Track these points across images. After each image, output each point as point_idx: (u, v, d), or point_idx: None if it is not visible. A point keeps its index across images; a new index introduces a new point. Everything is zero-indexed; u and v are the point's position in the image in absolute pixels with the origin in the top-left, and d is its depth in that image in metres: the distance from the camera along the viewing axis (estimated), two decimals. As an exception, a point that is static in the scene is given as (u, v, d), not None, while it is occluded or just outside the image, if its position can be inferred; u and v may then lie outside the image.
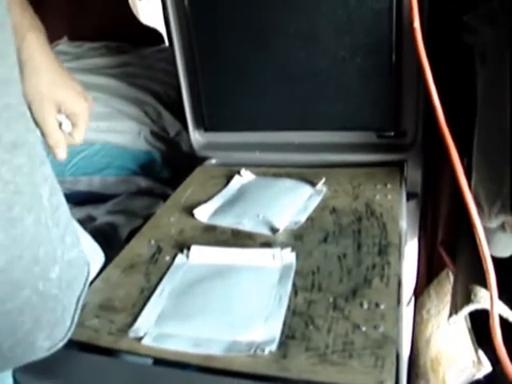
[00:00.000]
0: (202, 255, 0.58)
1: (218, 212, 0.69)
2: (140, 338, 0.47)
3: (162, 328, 0.48)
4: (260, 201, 0.70)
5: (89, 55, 1.29)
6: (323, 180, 0.72)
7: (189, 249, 0.59)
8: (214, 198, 0.73)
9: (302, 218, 0.64)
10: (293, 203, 0.68)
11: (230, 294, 0.52)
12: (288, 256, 0.56)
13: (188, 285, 0.54)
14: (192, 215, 0.68)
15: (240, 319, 0.48)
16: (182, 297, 0.52)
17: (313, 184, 0.73)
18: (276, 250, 0.57)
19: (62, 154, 0.53)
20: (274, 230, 0.62)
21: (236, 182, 0.77)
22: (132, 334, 0.48)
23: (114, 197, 1.00)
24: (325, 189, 0.71)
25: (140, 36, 1.47)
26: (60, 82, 0.52)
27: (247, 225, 0.64)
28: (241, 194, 0.73)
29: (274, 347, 0.44)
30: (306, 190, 0.72)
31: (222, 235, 0.64)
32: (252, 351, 0.44)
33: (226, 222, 0.66)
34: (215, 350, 0.45)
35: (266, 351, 0.43)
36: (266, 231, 0.63)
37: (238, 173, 0.79)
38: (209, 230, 0.65)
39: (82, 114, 0.53)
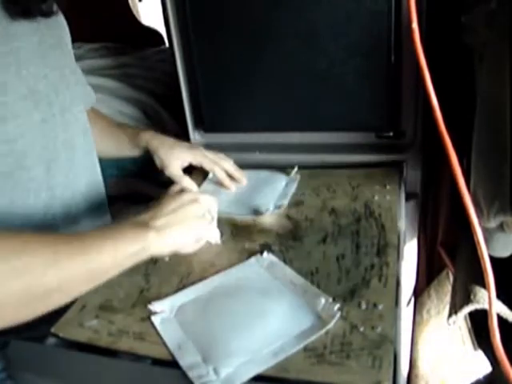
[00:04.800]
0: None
1: None
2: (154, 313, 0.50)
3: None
4: (242, 190, 0.75)
5: (88, 56, 1.29)
6: (296, 169, 0.76)
7: None
8: None
9: (285, 202, 0.69)
10: (273, 190, 0.73)
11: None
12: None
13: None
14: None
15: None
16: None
17: (286, 173, 0.77)
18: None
19: None
20: (259, 213, 0.67)
21: (210, 180, 0.78)
22: (151, 307, 0.51)
23: (112, 198, 1.00)
24: (299, 176, 0.76)
25: (140, 37, 1.48)
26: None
27: (236, 211, 0.69)
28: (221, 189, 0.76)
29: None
30: (282, 178, 0.77)
31: (221, 236, 0.63)
32: (250, 351, 0.44)
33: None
34: None
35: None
36: (252, 215, 0.67)
37: None
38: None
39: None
